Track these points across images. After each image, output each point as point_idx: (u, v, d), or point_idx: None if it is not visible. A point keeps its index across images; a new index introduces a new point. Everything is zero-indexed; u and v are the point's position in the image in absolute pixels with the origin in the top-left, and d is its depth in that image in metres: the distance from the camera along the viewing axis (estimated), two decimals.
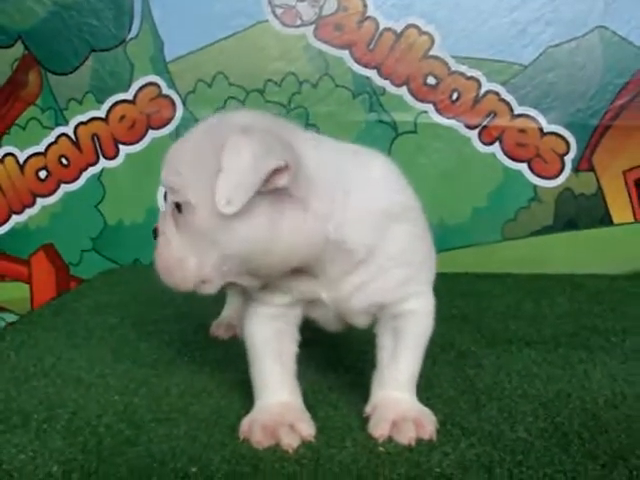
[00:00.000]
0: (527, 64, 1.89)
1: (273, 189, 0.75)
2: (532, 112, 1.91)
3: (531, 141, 1.92)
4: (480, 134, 1.92)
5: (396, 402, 0.89)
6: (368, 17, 1.89)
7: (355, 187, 0.83)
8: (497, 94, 1.90)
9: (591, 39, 1.88)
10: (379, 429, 0.86)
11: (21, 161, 2.00)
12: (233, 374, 1.08)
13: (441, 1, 1.88)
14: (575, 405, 0.96)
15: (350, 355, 1.17)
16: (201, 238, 0.78)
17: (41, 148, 2.00)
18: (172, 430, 0.88)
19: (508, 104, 1.91)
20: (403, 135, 1.93)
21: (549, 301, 1.58)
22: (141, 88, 1.95)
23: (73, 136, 1.98)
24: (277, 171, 0.74)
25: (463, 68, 1.90)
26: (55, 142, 1.99)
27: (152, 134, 1.96)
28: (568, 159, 1.93)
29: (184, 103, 1.95)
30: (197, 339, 1.28)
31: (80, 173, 2.00)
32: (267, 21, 1.91)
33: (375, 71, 1.91)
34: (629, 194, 1.95)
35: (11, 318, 2.02)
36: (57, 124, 1.98)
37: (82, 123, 1.98)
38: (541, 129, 1.91)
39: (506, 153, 1.93)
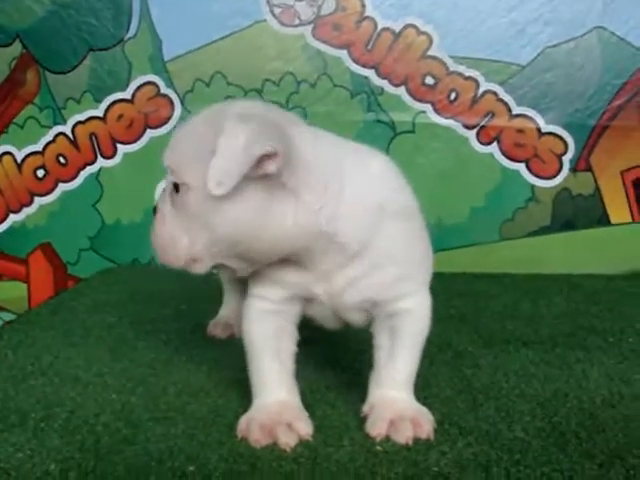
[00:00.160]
0: (525, 64, 1.89)
1: (263, 175, 0.77)
2: (530, 112, 1.91)
3: (529, 141, 1.92)
4: (478, 134, 1.92)
5: (393, 401, 0.89)
6: (366, 17, 1.89)
7: (351, 182, 0.84)
8: (495, 94, 1.90)
9: (589, 39, 1.88)
10: (376, 428, 0.86)
11: (19, 160, 2.00)
12: (230, 373, 1.08)
13: (439, 1, 1.88)
14: (572, 405, 0.96)
15: (348, 354, 1.17)
16: (194, 218, 0.81)
17: (39, 147, 1.99)
18: (170, 429, 0.88)
19: (506, 104, 1.91)
20: (401, 135, 1.93)
21: (546, 301, 1.58)
22: (139, 87, 1.95)
23: (71, 135, 1.98)
24: (267, 157, 0.76)
25: (461, 68, 1.90)
26: (53, 141, 1.99)
27: (150, 133, 1.96)
28: (566, 159, 1.93)
29: (182, 102, 1.95)
30: (194, 338, 1.29)
31: (78, 172, 2.00)
32: (265, 21, 1.91)
33: (373, 71, 1.91)
34: (627, 194, 1.95)
35: (9, 317, 2.02)
36: (55, 123, 1.98)
37: (80, 122, 1.98)
38: (539, 129, 1.92)
39: (504, 153, 1.93)
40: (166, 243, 0.85)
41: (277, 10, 1.90)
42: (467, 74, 1.90)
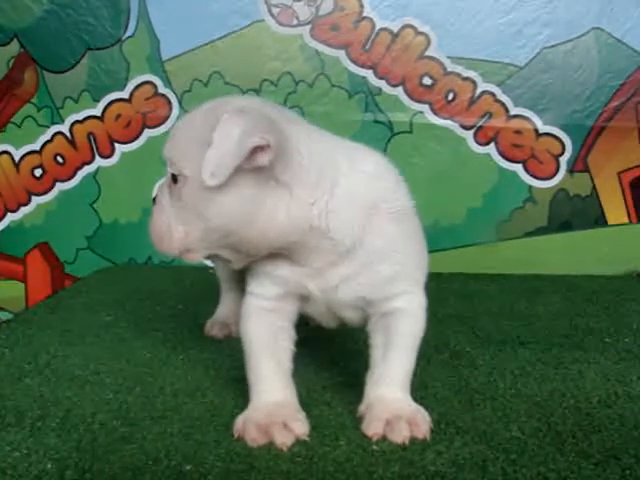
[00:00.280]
0: (523, 65, 1.90)
1: (256, 167, 0.79)
2: (527, 113, 1.91)
3: (526, 142, 1.93)
4: (475, 135, 1.93)
5: (390, 401, 0.89)
6: (364, 17, 1.89)
7: (345, 179, 0.85)
8: (493, 95, 1.91)
9: (587, 41, 1.89)
10: (373, 428, 0.86)
11: (17, 159, 2.00)
12: (227, 373, 1.08)
13: (437, 2, 1.88)
14: (569, 404, 0.97)
15: (345, 355, 1.17)
16: (189, 208, 0.84)
17: (37, 146, 1.99)
18: (166, 428, 0.88)
19: (504, 105, 1.91)
20: (399, 135, 1.93)
21: (543, 301, 1.59)
22: (137, 87, 1.95)
23: (69, 134, 1.98)
24: (260, 149, 0.78)
25: (459, 69, 1.90)
26: (51, 140, 1.99)
27: (148, 133, 1.96)
28: (563, 160, 1.93)
29: (180, 102, 1.95)
30: (191, 338, 1.29)
31: (75, 172, 2.00)
32: (263, 21, 1.91)
33: (371, 71, 1.91)
34: (624, 195, 1.95)
35: (6, 316, 2.02)
36: (53, 122, 1.98)
37: (78, 121, 1.98)
38: (536, 130, 1.92)
39: (501, 154, 1.93)
40: (163, 232, 0.87)
41: (275, 10, 1.90)
42: (465, 75, 1.90)
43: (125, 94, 1.96)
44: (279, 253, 0.87)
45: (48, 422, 0.90)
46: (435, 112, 1.92)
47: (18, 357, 1.17)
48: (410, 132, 1.92)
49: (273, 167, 0.80)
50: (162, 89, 1.95)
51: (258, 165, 0.79)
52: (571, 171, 1.94)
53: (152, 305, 1.52)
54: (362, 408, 0.90)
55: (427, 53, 1.90)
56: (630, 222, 1.97)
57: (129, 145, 1.97)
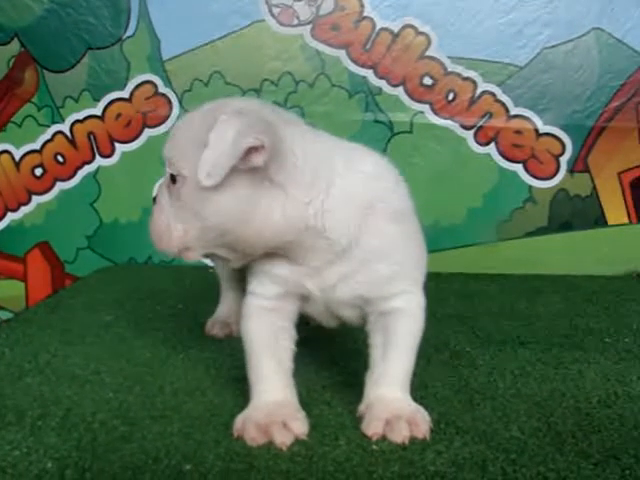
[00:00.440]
0: (523, 65, 1.90)
1: (251, 167, 0.80)
2: (528, 113, 1.91)
3: (526, 142, 1.93)
4: (476, 134, 1.93)
5: (390, 401, 0.89)
6: (365, 17, 1.89)
7: (341, 179, 0.86)
8: (493, 95, 1.91)
9: (587, 41, 1.89)
10: (373, 427, 0.86)
11: (17, 158, 2.00)
12: (227, 372, 1.09)
13: (438, 2, 1.88)
14: (569, 404, 0.97)
15: (344, 354, 1.17)
16: (187, 208, 0.85)
17: (37, 146, 1.99)
18: (166, 428, 0.88)
19: (504, 105, 1.91)
20: (399, 135, 1.93)
21: (543, 301, 1.59)
22: (137, 86, 1.95)
23: (69, 134, 1.98)
24: (254, 150, 0.79)
25: (459, 69, 1.90)
26: (51, 140, 1.99)
27: (148, 132, 1.96)
28: (563, 160, 1.93)
29: (180, 102, 1.95)
30: (192, 337, 1.29)
31: (76, 171, 2.00)
32: (264, 20, 1.91)
33: (371, 71, 1.91)
34: (624, 195, 1.95)
35: (6, 315, 2.02)
36: (53, 122, 1.98)
37: (78, 121, 1.98)
38: (537, 130, 1.92)
39: (501, 154, 1.93)
40: (162, 231, 0.89)
41: (276, 10, 1.90)
42: (465, 75, 1.90)
43: (125, 94, 1.96)
44: (277, 252, 0.88)
45: (48, 421, 0.90)
46: (435, 112, 1.92)
47: (18, 356, 1.17)
48: (410, 132, 1.93)
49: (267, 168, 0.81)
50: (162, 89, 1.95)
51: (253, 165, 0.80)
52: (571, 171, 1.94)
53: (152, 304, 1.52)
54: (362, 408, 0.90)
55: (427, 53, 1.90)
56: (630, 222, 1.97)
57: (129, 145, 1.97)
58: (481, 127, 1.92)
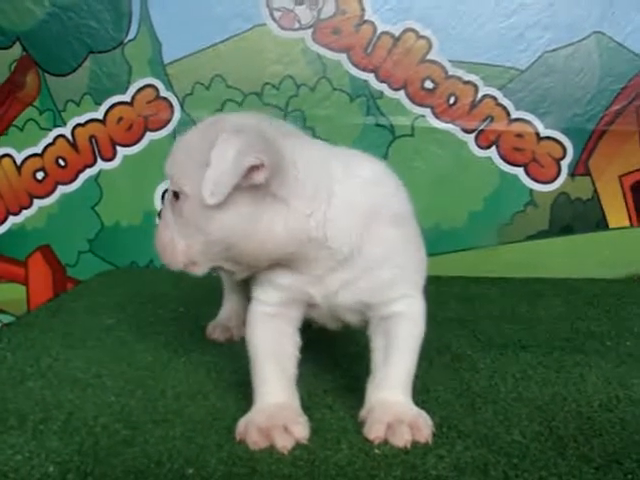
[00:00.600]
0: (524, 69, 1.90)
1: (252, 185, 0.81)
2: (529, 117, 1.91)
3: (528, 145, 1.93)
4: (477, 138, 1.93)
5: (391, 405, 0.90)
6: (366, 21, 1.89)
7: (341, 188, 0.87)
8: (494, 98, 1.91)
9: (588, 44, 1.89)
10: (374, 431, 0.86)
11: (18, 162, 2.00)
12: (229, 376, 1.09)
13: (439, 5, 1.88)
14: (570, 408, 0.97)
15: (346, 358, 1.17)
16: (190, 224, 0.86)
17: (38, 149, 2.00)
18: (168, 431, 0.88)
19: (505, 108, 1.91)
20: (400, 139, 1.93)
21: (545, 305, 1.59)
22: (139, 90, 1.96)
23: (71, 137, 1.98)
24: (255, 168, 0.80)
25: (460, 72, 1.90)
26: (52, 143, 1.99)
27: (150, 136, 1.96)
28: (564, 164, 1.93)
29: (182, 105, 1.95)
30: (193, 341, 1.29)
31: (77, 175, 2.00)
32: (265, 24, 1.91)
33: (373, 75, 1.92)
34: (625, 199, 1.95)
35: (8, 319, 2.01)
36: (55, 125, 1.98)
37: (80, 125, 1.98)
38: (538, 134, 1.92)
39: (503, 157, 1.93)
40: (166, 246, 0.90)
41: (277, 14, 1.90)
42: (466, 78, 1.90)
43: (127, 97, 1.96)
44: (280, 262, 0.89)
45: (50, 425, 0.90)
46: (436, 116, 1.92)
47: (20, 360, 1.17)
48: (411, 136, 1.93)
49: (269, 184, 0.82)
50: (164, 92, 1.95)
51: (254, 183, 0.81)
52: (572, 175, 1.94)
53: (154, 308, 1.52)
54: (363, 412, 0.91)
55: (428, 57, 1.90)
56: (631, 225, 1.96)
57: (131, 148, 1.97)
58: (482, 131, 1.92)
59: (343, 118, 1.92)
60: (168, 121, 1.95)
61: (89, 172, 2.00)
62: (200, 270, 0.90)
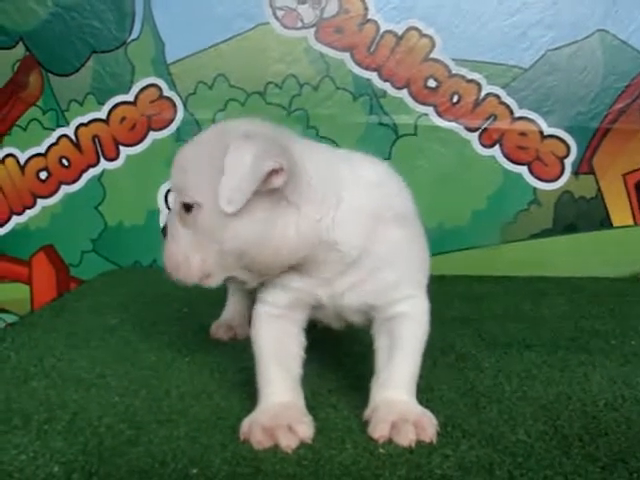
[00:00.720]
0: (527, 67, 1.90)
1: (270, 190, 0.81)
2: (532, 115, 1.91)
3: (531, 144, 1.92)
4: (480, 137, 1.92)
5: (395, 404, 0.89)
6: (369, 20, 1.89)
7: (348, 191, 0.87)
8: (497, 97, 1.91)
9: (591, 42, 1.88)
10: (379, 430, 0.86)
11: (22, 162, 2.01)
12: (233, 375, 1.08)
13: (442, 4, 1.88)
14: (575, 407, 0.96)
15: (351, 357, 1.17)
16: (205, 235, 0.85)
17: (42, 149, 2.00)
18: (172, 431, 0.88)
19: (508, 107, 1.91)
20: (403, 137, 1.93)
21: (548, 304, 1.58)
22: (142, 90, 1.96)
23: (74, 137, 1.99)
24: (273, 172, 0.80)
25: (463, 71, 1.90)
26: (56, 143, 1.99)
27: (153, 135, 1.96)
28: (568, 162, 1.93)
29: (185, 105, 1.95)
30: (197, 340, 1.29)
31: (81, 174, 2.00)
32: (268, 23, 1.91)
33: (376, 73, 1.91)
34: (629, 197, 1.95)
35: (11, 319, 2.02)
36: (58, 125, 1.99)
37: (83, 124, 1.98)
38: (541, 132, 1.92)
39: (506, 156, 1.93)
40: (179, 261, 0.88)
41: (280, 13, 1.90)
42: (469, 77, 1.90)
43: (130, 97, 1.96)
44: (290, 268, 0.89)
45: (54, 425, 0.90)
46: (440, 114, 1.92)
47: (24, 360, 1.17)
48: (415, 134, 1.92)
49: (284, 189, 0.82)
50: (167, 92, 1.95)
51: (273, 187, 0.81)
52: (576, 173, 1.94)
53: (157, 308, 1.52)
54: (368, 412, 0.90)
55: (432, 55, 1.90)
56: (635, 224, 1.96)
57: (134, 148, 1.97)
58: (486, 129, 1.92)
59: (346, 117, 1.92)
60: (171, 120, 1.95)
61: (92, 172, 2.00)
62: (215, 282, 0.89)
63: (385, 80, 1.91)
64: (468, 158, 1.93)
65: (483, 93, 1.91)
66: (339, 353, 1.19)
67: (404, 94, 1.92)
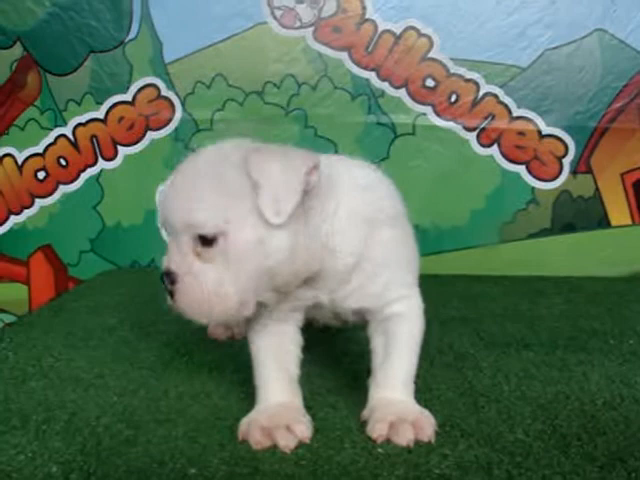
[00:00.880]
0: (526, 66, 1.89)
1: (308, 190, 0.80)
2: (530, 114, 1.91)
3: (529, 143, 1.92)
4: (478, 136, 1.92)
5: (393, 403, 0.90)
6: (367, 19, 1.89)
7: (344, 197, 0.86)
8: (496, 96, 1.90)
9: (590, 42, 1.88)
10: (377, 430, 0.86)
11: (20, 162, 2.00)
12: (231, 375, 1.08)
13: (440, 4, 1.88)
14: (573, 407, 0.96)
15: (349, 357, 1.17)
16: (239, 261, 0.80)
17: (40, 149, 2.00)
18: (171, 431, 0.88)
19: (507, 106, 1.91)
20: (402, 137, 1.93)
21: (547, 303, 1.58)
22: (140, 89, 1.95)
23: (72, 137, 1.98)
24: (311, 170, 0.80)
25: (462, 70, 1.90)
26: (54, 143, 1.99)
27: (151, 135, 1.96)
28: (566, 161, 1.93)
29: (183, 104, 1.95)
30: (195, 340, 1.28)
31: (79, 174, 2.00)
32: (266, 23, 1.91)
33: (374, 73, 1.91)
34: (627, 196, 1.95)
35: (9, 319, 2.02)
36: (56, 125, 1.99)
37: (81, 124, 1.98)
38: (539, 131, 1.92)
39: (504, 155, 1.93)
40: (211, 300, 0.81)
41: (278, 12, 1.90)
42: (467, 76, 1.90)
43: (128, 97, 1.96)
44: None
45: (53, 425, 0.90)
46: (438, 114, 1.92)
47: (22, 360, 1.17)
48: (413, 134, 1.92)
49: (309, 194, 0.81)
50: (165, 92, 1.95)
51: (311, 186, 0.80)
52: (574, 172, 1.94)
53: (156, 308, 1.50)
54: (366, 412, 0.91)
55: (430, 55, 1.90)
56: (633, 223, 1.96)
57: (132, 148, 1.97)
58: (484, 129, 1.92)
59: (344, 117, 1.92)
60: (169, 120, 1.95)
61: (90, 172, 2.00)
62: (251, 309, 0.83)
63: (383, 80, 1.91)
64: (466, 158, 1.93)
65: (481, 92, 1.91)
66: (337, 352, 1.20)
67: (402, 94, 1.92)
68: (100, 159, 1.99)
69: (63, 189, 2.01)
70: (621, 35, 1.87)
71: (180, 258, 0.83)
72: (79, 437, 0.86)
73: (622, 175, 1.95)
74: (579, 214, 1.97)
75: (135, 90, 1.95)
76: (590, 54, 1.89)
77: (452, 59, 1.90)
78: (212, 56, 1.93)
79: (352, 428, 0.89)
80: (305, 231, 0.81)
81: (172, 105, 1.95)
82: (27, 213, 2.02)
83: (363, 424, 0.89)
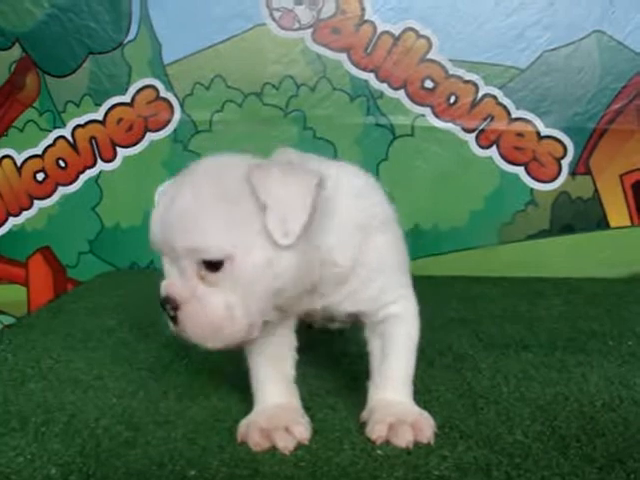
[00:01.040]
0: (524, 68, 1.89)
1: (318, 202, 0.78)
2: (529, 116, 1.91)
3: (528, 145, 1.92)
4: (477, 137, 1.92)
5: (392, 405, 0.90)
6: (366, 20, 1.89)
7: (340, 204, 0.85)
8: (494, 98, 1.91)
9: (588, 43, 1.88)
10: (376, 431, 0.86)
11: (18, 163, 2.00)
12: (231, 377, 1.08)
13: (439, 5, 1.88)
14: (572, 408, 0.97)
15: (348, 358, 1.17)
16: (247, 284, 0.78)
17: (39, 150, 2.00)
18: (170, 433, 0.88)
19: (505, 108, 1.91)
20: (400, 138, 1.93)
21: (546, 304, 1.58)
22: (139, 91, 1.95)
23: (71, 139, 1.98)
24: (320, 183, 0.78)
25: (460, 72, 1.90)
26: (53, 144, 1.99)
27: (150, 137, 1.96)
28: (565, 163, 1.93)
29: (182, 106, 1.95)
30: None
31: (77, 176, 2.00)
32: (265, 24, 1.91)
33: (373, 74, 1.91)
34: (626, 198, 1.95)
35: (8, 320, 2.02)
36: (55, 127, 1.98)
37: (80, 126, 1.98)
38: (538, 133, 1.92)
39: (503, 156, 1.93)
40: (219, 324, 0.79)
41: (277, 14, 1.90)
42: (466, 78, 1.90)
43: (127, 98, 1.96)
44: None
45: (52, 427, 0.90)
46: (437, 115, 1.92)
47: (21, 362, 1.17)
48: (412, 135, 1.92)
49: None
50: (164, 93, 1.95)
51: (317, 203, 0.78)
52: (573, 174, 1.94)
53: (155, 309, 1.51)
54: (365, 413, 0.91)
55: (428, 56, 1.90)
56: (632, 225, 1.96)
57: (131, 149, 1.97)
58: (483, 130, 1.92)
59: (343, 118, 1.92)
60: (168, 122, 1.95)
61: (89, 173, 2.00)
62: (258, 331, 0.81)
63: (382, 81, 1.91)
64: (465, 159, 1.93)
65: (480, 94, 1.91)
66: (336, 353, 1.20)
67: (401, 95, 1.92)
68: (99, 160, 1.99)
69: (62, 190, 2.01)
70: (619, 36, 1.87)
71: (182, 283, 0.81)
72: (78, 439, 0.86)
73: (621, 176, 1.95)
74: (578, 215, 1.97)
75: (134, 91, 1.95)
76: (589, 55, 1.89)
77: (451, 60, 1.90)
78: (211, 57, 1.93)
79: (351, 429, 0.89)
80: (307, 246, 0.80)
81: (171, 106, 1.95)
82: (26, 215, 2.02)
83: (362, 425, 0.89)
